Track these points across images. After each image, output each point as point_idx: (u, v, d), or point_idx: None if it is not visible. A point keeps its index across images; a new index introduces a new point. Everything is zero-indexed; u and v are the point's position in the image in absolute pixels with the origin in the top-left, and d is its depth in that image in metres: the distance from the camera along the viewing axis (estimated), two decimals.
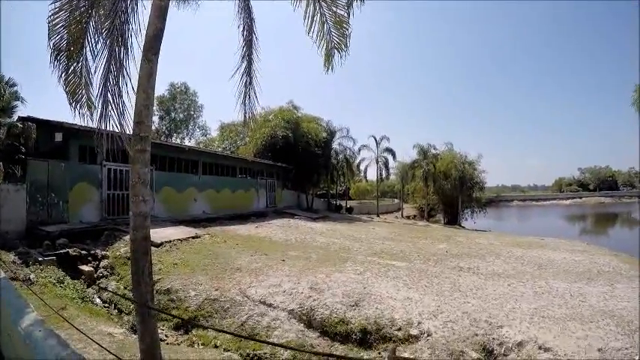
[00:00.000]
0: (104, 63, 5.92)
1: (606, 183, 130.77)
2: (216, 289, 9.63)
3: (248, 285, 9.77)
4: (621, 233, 48.73)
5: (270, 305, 8.90)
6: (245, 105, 8.39)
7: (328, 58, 8.29)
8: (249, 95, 8.35)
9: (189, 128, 56.73)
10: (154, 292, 9.46)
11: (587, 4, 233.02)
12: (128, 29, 6.04)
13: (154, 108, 47.78)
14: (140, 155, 5.96)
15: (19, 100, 27.57)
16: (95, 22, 6.88)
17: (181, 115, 55.21)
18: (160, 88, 54.12)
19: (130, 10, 6.19)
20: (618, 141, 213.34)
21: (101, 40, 6.44)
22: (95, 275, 11.30)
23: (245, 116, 8.56)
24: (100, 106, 5.95)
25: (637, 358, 6.61)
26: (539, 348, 6.92)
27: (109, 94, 5.85)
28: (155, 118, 52.50)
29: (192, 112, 56.19)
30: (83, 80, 7.12)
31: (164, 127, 54.09)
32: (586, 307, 9.14)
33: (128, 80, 5.82)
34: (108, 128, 5.91)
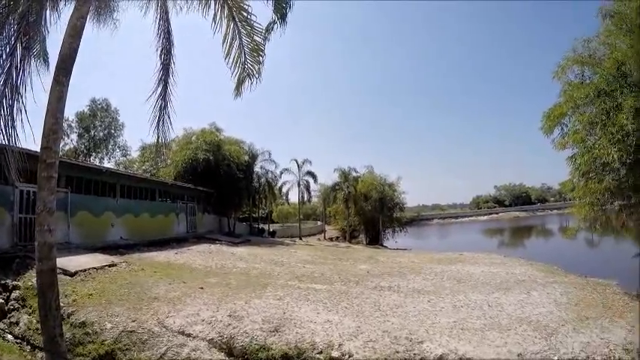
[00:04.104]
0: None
1: (521, 199, 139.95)
2: (134, 321, 9.21)
3: (166, 315, 9.43)
4: (537, 243, 52.71)
5: (189, 335, 8.64)
6: (159, 129, 8.23)
7: (239, 84, 8.35)
8: (164, 120, 8.21)
9: (109, 148, 54.16)
10: (70, 325, 8.99)
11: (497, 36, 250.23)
12: (29, 54, 5.78)
13: (73, 125, 45.19)
14: (46, 182, 5.71)
15: None
16: None
17: (101, 134, 52.62)
18: (81, 104, 51.78)
19: (33, 34, 5.96)
20: (531, 160, 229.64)
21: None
22: (6, 308, 10.41)
23: (158, 141, 8.40)
24: None
25: (555, 358, 7.07)
26: (460, 359, 7.20)
27: (1, 123, 5.51)
28: (74, 136, 50.14)
29: (113, 131, 53.67)
30: None
31: (83, 146, 51.37)
32: (504, 316, 9.67)
33: (23, 108, 5.52)
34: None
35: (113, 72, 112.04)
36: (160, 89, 8.15)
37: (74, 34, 6.01)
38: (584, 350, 7.33)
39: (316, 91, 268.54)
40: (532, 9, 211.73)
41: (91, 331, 9.01)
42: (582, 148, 12.55)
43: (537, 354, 7.25)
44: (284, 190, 52.94)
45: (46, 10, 6.89)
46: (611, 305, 10.73)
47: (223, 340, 8.42)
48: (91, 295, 10.98)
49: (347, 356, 7.63)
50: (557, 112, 13.27)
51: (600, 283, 13.90)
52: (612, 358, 7.15)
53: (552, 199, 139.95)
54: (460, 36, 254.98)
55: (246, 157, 40.22)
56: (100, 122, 52.10)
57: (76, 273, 12.66)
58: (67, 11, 6.93)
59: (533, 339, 7.91)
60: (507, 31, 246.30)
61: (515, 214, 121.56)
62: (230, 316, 9.29)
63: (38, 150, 5.84)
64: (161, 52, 8.42)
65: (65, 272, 12.24)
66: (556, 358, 7.13)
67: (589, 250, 33.06)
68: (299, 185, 51.24)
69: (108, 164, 50.21)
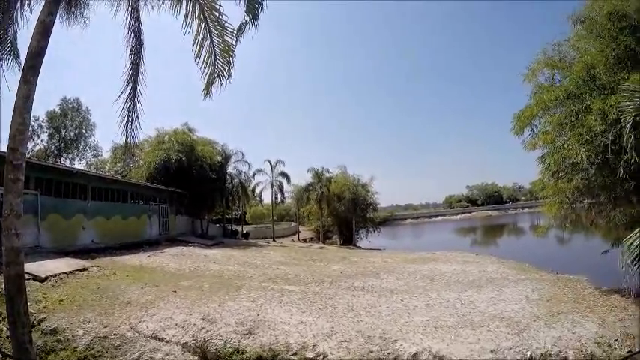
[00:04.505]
0: None
1: (493, 198, 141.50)
2: (106, 326, 9.02)
3: (139, 319, 9.27)
4: (508, 241, 53.46)
5: (162, 340, 8.51)
6: (127, 130, 8.09)
7: (209, 85, 8.25)
8: (132, 120, 8.07)
9: (80, 148, 52.76)
10: (41, 332, 8.76)
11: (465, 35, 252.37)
12: None
13: (43, 125, 44.04)
14: (13, 185, 5.55)
15: None
16: None
17: (72, 134, 51.30)
18: (52, 103, 50.64)
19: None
20: (496, 159, 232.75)
21: None
22: None
23: (127, 142, 8.27)
24: None
25: (528, 354, 7.19)
26: (434, 357, 7.28)
27: None
28: (44, 136, 48.94)
29: (84, 131, 52.34)
30: None
31: (53, 147, 50.03)
32: (476, 313, 9.84)
33: None
34: None
35: (84, 70, 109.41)
36: (129, 89, 7.99)
37: (43, 32, 5.88)
38: (556, 344, 7.51)
39: (279, 90, 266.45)
40: (495, 10, 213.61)
41: (62, 338, 8.80)
42: (552, 149, 12.82)
43: (510, 349, 7.40)
44: (257, 191, 52.97)
45: (17, 8, 6.74)
46: (582, 300, 11.01)
47: (197, 344, 8.32)
48: (62, 300, 10.74)
49: (321, 357, 7.65)
50: (527, 113, 13.54)
51: (571, 279, 14.25)
52: (584, 351, 7.34)
53: (523, 198, 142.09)
54: (422, 36, 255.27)
55: (219, 158, 40.04)
56: (71, 122, 50.81)
57: (46, 278, 12.35)
58: (39, 8, 6.77)
59: (506, 335, 8.07)
60: (469, 32, 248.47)
61: (487, 213, 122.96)
62: (203, 319, 9.20)
63: (4, 150, 5.70)
64: (131, 51, 8.27)
65: (35, 277, 11.94)
66: (529, 353, 7.28)
67: (560, 248, 33.82)
68: (272, 186, 51.29)
69: (79, 165, 49.21)
